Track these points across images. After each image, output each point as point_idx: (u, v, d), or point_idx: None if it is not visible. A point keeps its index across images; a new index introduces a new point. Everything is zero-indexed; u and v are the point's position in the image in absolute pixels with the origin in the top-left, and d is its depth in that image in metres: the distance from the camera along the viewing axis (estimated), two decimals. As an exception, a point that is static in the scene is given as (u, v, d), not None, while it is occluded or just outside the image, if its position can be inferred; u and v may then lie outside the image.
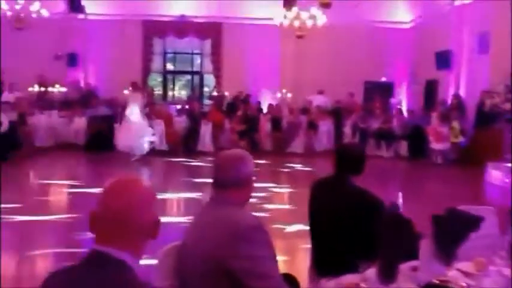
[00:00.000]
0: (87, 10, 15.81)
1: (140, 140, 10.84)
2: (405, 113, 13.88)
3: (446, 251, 1.92)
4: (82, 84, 15.76)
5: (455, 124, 11.28)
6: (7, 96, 12.86)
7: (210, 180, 2.19)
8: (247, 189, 2.14)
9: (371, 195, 2.65)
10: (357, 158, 2.77)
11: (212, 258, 1.94)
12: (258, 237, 1.94)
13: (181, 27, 15.99)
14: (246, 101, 14.56)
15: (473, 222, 1.92)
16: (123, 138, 10.85)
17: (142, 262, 1.43)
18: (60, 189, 8.15)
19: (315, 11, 12.33)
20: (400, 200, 7.72)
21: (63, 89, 14.82)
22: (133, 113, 10.83)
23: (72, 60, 15.72)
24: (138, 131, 10.81)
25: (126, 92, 15.03)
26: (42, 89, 14.81)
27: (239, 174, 2.10)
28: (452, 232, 1.88)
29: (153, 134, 11.45)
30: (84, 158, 11.67)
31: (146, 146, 11.04)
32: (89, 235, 1.41)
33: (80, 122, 12.78)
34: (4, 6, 12.36)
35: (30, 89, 14.52)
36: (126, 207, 1.37)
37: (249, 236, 1.92)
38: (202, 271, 1.99)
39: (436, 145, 11.26)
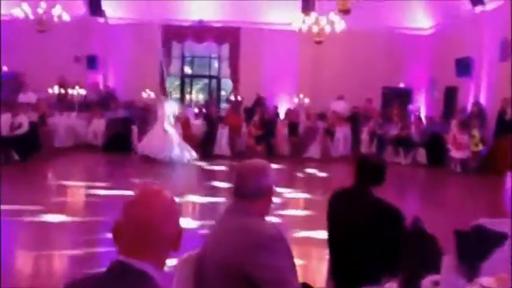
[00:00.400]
0: (108, 14, 16.01)
1: (178, 151, 11.01)
2: (424, 120, 13.74)
3: (469, 267, 1.89)
4: (101, 86, 15.95)
5: (475, 132, 11.12)
6: (22, 97, 13.03)
7: (227, 184, 2.20)
8: (267, 200, 2.15)
9: (392, 208, 2.63)
10: (377, 169, 2.75)
11: (232, 266, 1.95)
12: (279, 247, 1.95)
13: (200, 31, 16.09)
14: (261, 103, 14.57)
15: (498, 240, 1.89)
16: (156, 145, 10.90)
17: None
18: (79, 191, 8.25)
19: (334, 16, 12.29)
20: (420, 211, 7.63)
21: (83, 91, 15.01)
22: (168, 122, 11.07)
23: (92, 62, 15.92)
24: (176, 141, 11.04)
25: (144, 95, 15.19)
26: (62, 90, 15.02)
27: (260, 185, 2.10)
28: (476, 249, 1.85)
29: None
30: (102, 159, 11.79)
31: (186, 156, 11.15)
32: (106, 236, 1.42)
33: (99, 124, 12.93)
34: (27, 9, 12.56)
35: (50, 90, 14.74)
36: (150, 219, 1.37)
37: (270, 246, 1.93)
38: (221, 279, 1.99)
39: (455, 153, 11.13)
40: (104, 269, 1.39)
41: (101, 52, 16.08)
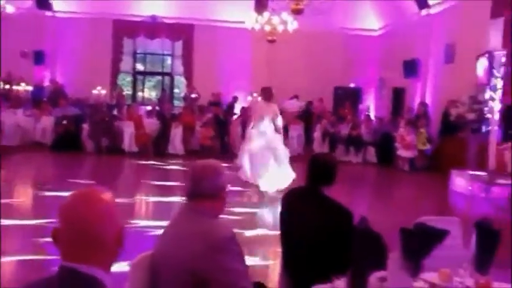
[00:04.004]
0: (56, 7, 15.52)
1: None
2: (373, 119, 14.13)
3: (413, 263, 1.99)
4: (49, 82, 15.46)
5: (422, 132, 11.55)
6: None
7: (180, 184, 2.21)
8: (221, 200, 2.18)
9: (342, 208, 2.71)
10: (328, 169, 2.82)
11: (189, 270, 1.96)
12: (234, 248, 1.99)
13: (152, 27, 15.88)
14: (217, 102, 14.56)
15: (438, 237, 2.00)
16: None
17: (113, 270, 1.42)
18: (26, 192, 7.96)
19: (286, 16, 12.43)
20: (370, 209, 7.86)
21: (29, 87, 14.50)
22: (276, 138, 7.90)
23: (39, 57, 15.40)
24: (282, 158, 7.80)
25: (95, 91, 14.78)
26: (8, 86, 14.44)
27: (213, 186, 2.13)
28: (419, 246, 1.96)
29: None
30: (51, 159, 11.43)
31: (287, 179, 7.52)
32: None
33: (47, 121, 12.50)
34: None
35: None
36: (88, 223, 1.34)
37: (227, 248, 1.97)
38: (177, 282, 2.00)
39: (403, 152, 11.52)
40: (52, 275, 1.37)
41: (48, 47, 15.57)
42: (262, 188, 7.58)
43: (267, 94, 8.00)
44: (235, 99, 15.25)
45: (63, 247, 1.36)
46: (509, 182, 7.85)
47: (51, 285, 1.36)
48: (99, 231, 1.35)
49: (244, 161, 7.82)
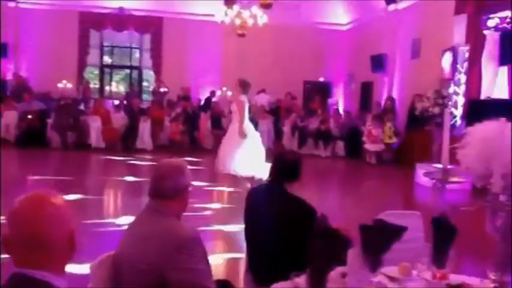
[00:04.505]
0: (19, -2, 15.09)
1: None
2: (342, 113, 14.29)
3: (372, 259, 2.03)
4: (12, 76, 15.02)
5: (389, 125, 11.76)
6: None
7: (149, 179, 2.20)
8: (184, 199, 2.17)
9: (305, 204, 2.74)
10: (291, 166, 2.85)
11: (150, 270, 1.95)
12: (197, 249, 1.99)
13: (120, 20, 15.60)
14: (186, 97, 14.45)
15: (396, 233, 2.05)
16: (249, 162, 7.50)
17: (76, 270, 1.41)
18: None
19: (256, 10, 12.42)
20: (336, 202, 7.95)
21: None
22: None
23: (2, 50, 14.92)
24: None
25: (60, 85, 14.43)
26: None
27: (176, 185, 2.12)
28: (378, 242, 2.00)
29: None
30: (15, 155, 11.12)
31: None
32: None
33: (11, 116, 12.15)
34: None
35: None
36: (36, 226, 1.32)
37: (189, 249, 1.96)
38: (139, 282, 1.99)
39: (370, 146, 11.71)
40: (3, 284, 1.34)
41: (12, 39, 15.12)
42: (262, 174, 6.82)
43: (245, 86, 8.00)
44: (213, 93, 15.14)
45: (14, 253, 1.34)
46: (463, 179, 7.94)
47: None
48: (49, 236, 1.33)
49: (234, 156, 7.67)
